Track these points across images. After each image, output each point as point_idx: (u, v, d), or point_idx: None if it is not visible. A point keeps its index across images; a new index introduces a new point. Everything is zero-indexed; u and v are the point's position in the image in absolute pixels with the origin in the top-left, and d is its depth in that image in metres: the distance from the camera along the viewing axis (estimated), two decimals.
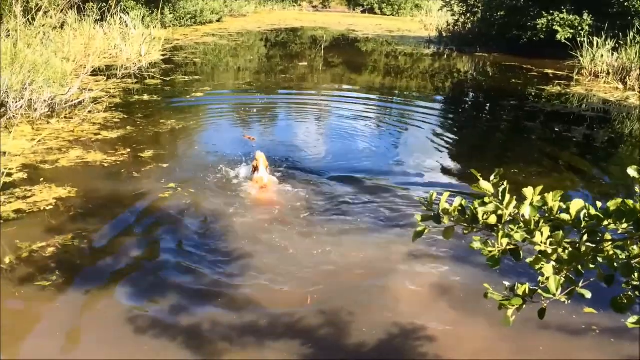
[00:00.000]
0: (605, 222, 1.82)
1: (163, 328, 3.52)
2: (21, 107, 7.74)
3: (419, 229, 2.07)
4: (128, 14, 16.16)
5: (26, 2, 11.22)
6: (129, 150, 6.82)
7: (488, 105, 11.99)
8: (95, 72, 10.52)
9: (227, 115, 9.59)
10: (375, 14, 35.26)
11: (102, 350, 3.33)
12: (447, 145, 8.25)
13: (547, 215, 1.87)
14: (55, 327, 3.52)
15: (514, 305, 1.91)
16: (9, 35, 8.77)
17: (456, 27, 21.13)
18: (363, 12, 36.12)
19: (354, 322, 3.69)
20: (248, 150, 6.73)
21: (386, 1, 35.30)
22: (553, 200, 1.85)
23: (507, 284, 2.03)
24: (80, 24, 13.45)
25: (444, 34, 21.51)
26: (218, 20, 24.32)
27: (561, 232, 1.83)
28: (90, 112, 8.28)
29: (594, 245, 1.85)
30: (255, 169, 5.95)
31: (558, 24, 16.45)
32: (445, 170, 6.87)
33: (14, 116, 7.60)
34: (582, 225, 1.84)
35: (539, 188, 1.88)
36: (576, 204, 1.82)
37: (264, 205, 5.64)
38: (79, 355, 3.28)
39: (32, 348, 3.33)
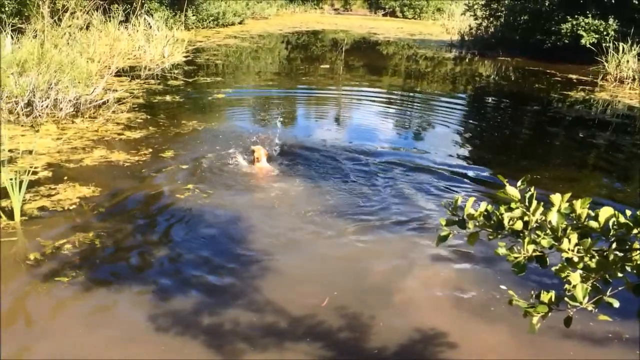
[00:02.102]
0: (635, 231, 1.79)
1: (184, 327, 3.55)
2: (47, 106, 7.87)
3: (443, 233, 2.06)
4: (152, 15, 16.34)
5: (53, 3, 11.40)
6: (150, 150, 6.88)
7: (510, 110, 11.88)
8: (119, 73, 10.65)
9: (247, 116, 9.65)
10: (397, 17, 35.14)
11: (122, 349, 3.35)
12: (469, 150, 8.19)
13: (575, 222, 1.85)
14: (76, 324, 3.56)
15: (539, 313, 1.88)
16: (36, 36, 8.92)
17: (479, 31, 20.95)
18: (384, 15, 36.04)
19: (374, 325, 3.68)
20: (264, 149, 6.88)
21: (408, 4, 35.16)
22: (581, 207, 1.82)
23: (528, 291, 2.01)
24: (105, 25, 13.63)
25: (466, 38, 21.34)
26: (240, 23, 24.46)
27: (589, 239, 1.80)
28: (114, 112, 8.38)
29: (622, 254, 1.82)
30: (256, 159, 6.44)
31: (583, 28, 16.23)
32: (466, 175, 6.82)
33: (39, 115, 7.74)
34: (611, 234, 1.82)
35: (567, 195, 1.86)
36: (605, 212, 1.80)
37: (264, 181, 6.09)
38: (99, 353, 3.31)
39: (51, 345, 3.37)
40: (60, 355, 3.27)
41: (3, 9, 11.34)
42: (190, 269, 4.28)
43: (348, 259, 4.59)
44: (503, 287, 4.19)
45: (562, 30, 16.61)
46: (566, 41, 16.68)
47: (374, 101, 11.88)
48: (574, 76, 14.83)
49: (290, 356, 3.35)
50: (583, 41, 16.06)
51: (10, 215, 4.81)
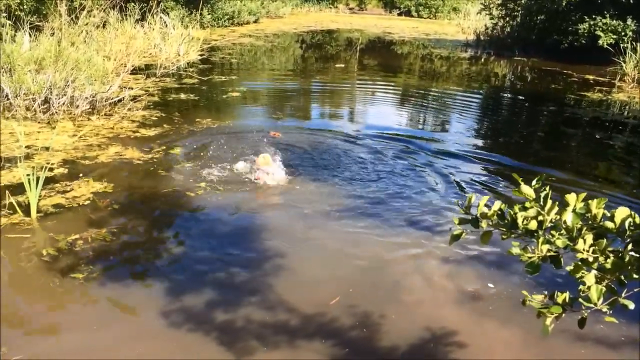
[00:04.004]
0: None
1: (196, 324, 3.56)
2: (63, 103, 7.95)
3: (456, 232, 2.05)
4: (168, 14, 16.44)
5: (70, 1, 11.51)
6: (164, 148, 6.92)
7: (526, 110, 11.78)
8: (135, 71, 10.74)
9: (261, 114, 9.66)
10: (412, 16, 35.01)
11: (135, 345, 3.37)
12: (484, 150, 8.12)
13: (590, 222, 1.83)
14: (88, 321, 3.58)
15: (553, 314, 1.86)
16: (53, 34, 9.01)
17: (494, 31, 20.81)
18: (399, 14, 35.92)
19: (385, 324, 3.67)
20: (276, 147, 6.88)
21: (423, 4, 35.03)
22: (597, 207, 1.80)
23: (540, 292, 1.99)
24: (122, 23, 13.75)
25: (482, 38, 21.21)
26: (255, 22, 24.54)
27: (605, 240, 1.78)
28: (129, 109, 8.44)
29: (638, 255, 1.80)
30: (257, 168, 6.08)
31: (600, 29, 16.05)
32: (481, 174, 6.78)
33: (56, 112, 7.82)
34: (627, 234, 1.79)
35: (582, 195, 1.84)
36: (621, 212, 1.78)
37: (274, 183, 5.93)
38: (111, 350, 3.33)
39: (64, 341, 3.40)
40: (73, 351, 3.30)
41: (21, 7, 11.48)
42: (203, 267, 4.30)
43: (360, 257, 4.58)
44: (515, 287, 4.16)
45: (580, 31, 16.44)
46: (583, 41, 16.51)
47: (388, 100, 11.85)
48: (590, 77, 14.67)
49: (302, 354, 3.35)
50: (600, 41, 15.89)
51: (26, 211, 4.86)
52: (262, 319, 3.65)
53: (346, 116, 10.02)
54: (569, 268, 1.86)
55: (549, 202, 1.85)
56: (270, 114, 9.66)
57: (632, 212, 1.80)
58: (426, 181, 6.36)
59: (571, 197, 1.83)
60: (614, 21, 15.99)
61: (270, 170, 6.01)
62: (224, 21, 21.49)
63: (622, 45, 14.77)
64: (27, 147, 6.45)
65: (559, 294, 1.88)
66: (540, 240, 1.83)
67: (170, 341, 3.40)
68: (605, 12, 16.17)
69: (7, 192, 5.04)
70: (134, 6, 14.78)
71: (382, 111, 10.50)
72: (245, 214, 5.26)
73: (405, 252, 4.71)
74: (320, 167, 6.62)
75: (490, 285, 4.25)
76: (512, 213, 1.91)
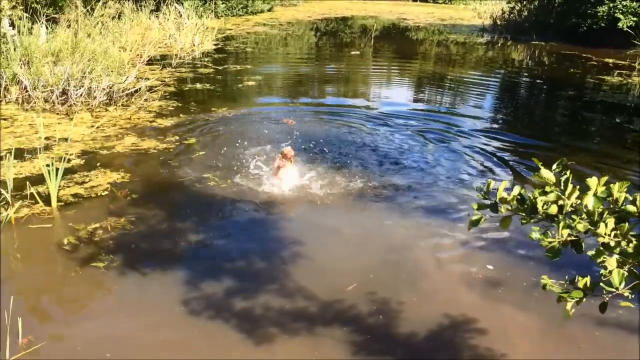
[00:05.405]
0: None
1: (216, 312, 3.59)
2: (81, 94, 8.01)
3: (475, 217, 2.03)
4: (182, 4, 16.44)
5: None
6: (181, 138, 6.96)
7: (545, 95, 11.63)
8: (150, 62, 10.78)
9: (276, 102, 9.66)
10: (427, 2, 34.59)
11: (155, 332, 3.42)
12: (502, 135, 8.04)
13: (611, 206, 1.80)
14: (110, 309, 3.64)
15: (574, 298, 1.85)
16: (70, 25, 9.07)
17: (511, 15, 20.50)
18: (414, 0, 35.54)
19: (404, 311, 3.67)
20: (291, 135, 6.85)
21: None
22: (619, 191, 1.78)
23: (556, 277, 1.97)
24: (137, 14, 13.79)
25: (499, 22, 20.91)
26: (269, 10, 24.43)
27: (627, 224, 1.76)
28: (146, 100, 8.49)
29: None
30: (281, 164, 5.71)
31: (620, 11, 15.74)
32: (500, 159, 6.71)
33: (74, 103, 7.89)
34: None
35: (604, 178, 1.82)
36: None
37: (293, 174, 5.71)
38: (133, 337, 3.38)
39: (86, 329, 3.45)
40: (95, 339, 3.35)
41: (38, 0, 11.55)
42: (221, 255, 4.33)
43: (378, 244, 4.59)
44: (535, 272, 4.13)
45: (599, 13, 16.14)
46: (602, 24, 16.21)
47: (404, 86, 11.78)
48: (610, 60, 14.42)
49: (321, 341, 3.37)
50: (620, 24, 15.59)
51: (46, 201, 4.93)
52: (281, 306, 3.68)
53: (362, 102, 9.96)
54: (589, 253, 1.84)
55: (570, 186, 1.83)
56: (286, 102, 9.65)
57: None
58: (444, 166, 6.33)
59: (592, 181, 1.81)
60: (634, 3, 15.67)
61: (287, 176, 5.71)
62: (238, 10, 21.44)
63: None
64: (47, 138, 6.52)
65: (580, 278, 1.86)
66: (561, 224, 1.81)
67: (191, 328, 3.44)
68: None
69: (27, 182, 5.10)
70: None
71: (398, 97, 10.43)
72: (261, 203, 5.28)
73: (423, 238, 4.70)
74: (336, 154, 6.60)
75: (510, 269, 4.23)
76: (531, 198, 1.89)
